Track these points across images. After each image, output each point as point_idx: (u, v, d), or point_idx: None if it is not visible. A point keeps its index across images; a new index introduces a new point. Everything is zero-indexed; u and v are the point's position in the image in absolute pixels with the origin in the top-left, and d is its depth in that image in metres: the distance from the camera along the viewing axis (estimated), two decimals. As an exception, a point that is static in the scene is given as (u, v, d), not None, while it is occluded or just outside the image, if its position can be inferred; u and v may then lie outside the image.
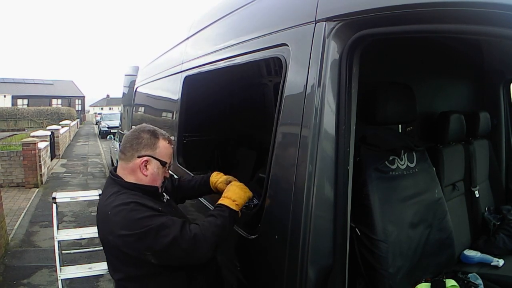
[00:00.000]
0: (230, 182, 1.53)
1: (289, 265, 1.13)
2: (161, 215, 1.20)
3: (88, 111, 47.19)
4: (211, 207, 1.76)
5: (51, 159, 10.04)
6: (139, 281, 1.26)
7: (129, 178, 1.31)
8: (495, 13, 0.81)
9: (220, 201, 1.35)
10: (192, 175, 1.86)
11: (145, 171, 1.31)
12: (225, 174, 1.64)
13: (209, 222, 1.24)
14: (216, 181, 1.58)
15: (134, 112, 4.77)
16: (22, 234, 4.78)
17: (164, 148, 1.35)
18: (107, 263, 1.34)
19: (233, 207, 1.31)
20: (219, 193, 1.50)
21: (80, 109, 40.13)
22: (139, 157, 1.31)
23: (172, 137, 2.37)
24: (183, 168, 2.25)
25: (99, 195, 3.40)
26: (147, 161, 1.31)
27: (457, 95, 2.49)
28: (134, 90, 4.77)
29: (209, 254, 1.21)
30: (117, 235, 1.16)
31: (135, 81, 4.93)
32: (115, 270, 1.30)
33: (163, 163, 1.34)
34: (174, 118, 2.46)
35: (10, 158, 7.35)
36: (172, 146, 1.42)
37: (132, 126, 4.93)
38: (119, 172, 1.34)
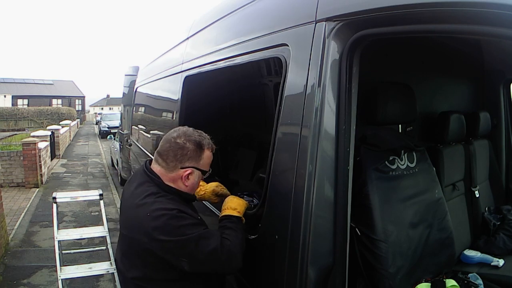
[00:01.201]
0: (217, 193, 1.55)
1: (289, 265, 1.14)
2: (201, 225, 1.23)
3: (88, 111, 47.20)
4: (212, 208, 1.76)
5: (51, 159, 10.04)
6: (159, 283, 1.25)
7: (168, 183, 1.29)
8: (495, 13, 0.81)
9: (227, 212, 1.37)
10: None
11: (187, 182, 1.29)
12: (225, 174, 1.64)
13: (233, 235, 1.26)
14: (203, 192, 1.56)
15: (134, 112, 4.77)
16: (22, 234, 4.79)
17: (207, 158, 1.33)
18: (122, 259, 1.32)
19: (238, 215, 1.37)
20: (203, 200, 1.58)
21: (80, 109, 40.14)
22: (182, 168, 1.28)
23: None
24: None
25: (100, 195, 3.41)
26: (191, 173, 1.29)
27: (457, 95, 2.49)
28: (134, 90, 4.77)
29: (240, 265, 1.24)
30: (156, 238, 1.14)
31: (135, 81, 4.94)
32: (132, 268, 1.27)
33: (204, 173, 1.34)
34: (174, 118, 2.46)
35: (10, 158, 7.36)
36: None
37: (133, 127, 4.94)
38: (158, 172, 1.30)
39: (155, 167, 1.31)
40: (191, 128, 1.35)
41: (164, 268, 1.22)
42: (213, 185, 1.57)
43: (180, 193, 1.29)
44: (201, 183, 1.52)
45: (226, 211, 1.38)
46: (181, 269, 1.19)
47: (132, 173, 4.99)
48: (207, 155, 1.33)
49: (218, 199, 1.55)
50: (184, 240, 1.14)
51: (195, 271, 1.22)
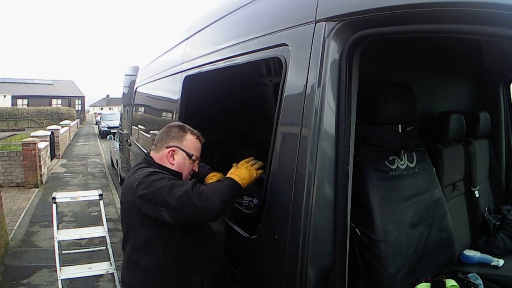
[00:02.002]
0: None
1: (289, 265, 1.13)
2: (177, 180, 1.36)
3: (88, 111, 47.19)
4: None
5: (51, 159, 10.03)
6: (146, 247, 1.38)
7: (158, 162, 1.47)
8: (495, 13, 0.81)
9: (228, 175, 1.42)
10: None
11: (172, 160, 1.47)
12: (225, 174, 1.64)
13: (216, 183, 1.38)
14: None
15: (134, 112, 4.77)
16: (22, 234, 4.78)
17: (191, 141, 1.50)
18: (123, 234, 1.46)
19: (239, 182, 1.39)
20: None
21: (80, 109, 40.12)
22: (167, 147, 1.47)
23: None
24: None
25: (100, 195, 3.41)
26: (173, 151, 1.46)
27: (457, 95, 2.49)
28: (134, 90, 4.77)
29: (217, 210, 1.30)
30: (138, 195, 1.30)
31: (135, 81, 4.94)
32: (127, 237, 1.42)
33: (189, 155, 1.48)
34: (174, 118, 2.46)
35: (10, 158, 7.35)
36: (202, 142, 1.54)
37: (133, 127, 4.94)
38: (152, 155, 1.51)
39: (151, 153, 1.53)
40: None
41: (151, 224, 1.34)
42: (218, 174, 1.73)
43: (170, 170, 1.45)
44: (215, 175, 1.70)
45: (231, 175, 1.41)
46: (163, 222, 1.30)
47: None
48: (191, 138, 1.50)
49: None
50: (158, 188, 1.28)
51: (177, 221, 1.31)
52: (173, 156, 1.47)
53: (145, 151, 2.80)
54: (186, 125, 1.53)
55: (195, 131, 1.53)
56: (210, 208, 1.28)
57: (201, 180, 1.68)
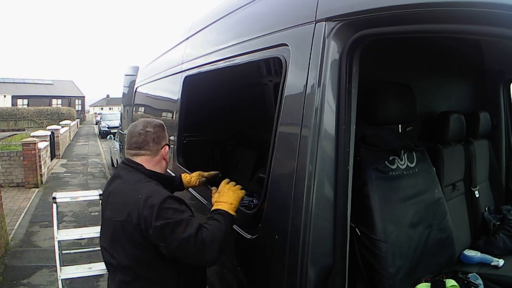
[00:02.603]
0: (202, 177, 1.80)
1: (289, 265, 1.13)
2: (185, 212, 1.28)
3: (88, 111, 47.20)
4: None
5: (51, 159, 10.04)
6: (140, 276, 1.30)
7: (153, 168, 1.44)
8: (495, 13, 0.81)
9: (218, 206, 1.37)
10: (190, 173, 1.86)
11: (167, 157, 1.50)
12: (225, 174, 1.65)
13: (216, 228, 1.27)
14: (189, 181, 1.81)
15: (134, 112, 4.77)
16: (22, 234, 4.78)
17: (167, 135, 1.55)
18: (110, 246, 1.35)
19: (231, 211, 1.36)
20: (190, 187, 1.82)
21: (80, 109, 40.14)
22: (162, 148, 1.47)
23: (172, 137, 2.40)
24: (183, 168, 2.25)
25: (100, 195, 3.41)
26: (165, 148, 1.49)
27: (457, 95, 2.49)
28: (134, 90, 4.77)
29: (215, 258, 1.25)
30: (142, 218, 1.22)
31: (135, 81, 4.93)
32: (120, 254, 1.31)
33: (169, 146, 1.54)
34: (174, 118, 2.46)
35: (10, 158, 7.35)
36: None
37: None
38: (142, 162, 1.43)
39: (138, 159, 1.43)
40: (144, 118, 1.57)
41: (148, 248, 1.26)
42: (199, 172, 1.83)
43: (162, 176, 1.45)
44: (186, 175, 1.81)
45: (221, 205, 1.37)
46: (159, 253, 1.25)
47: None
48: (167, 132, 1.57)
49: (205, 180, 1.81)
50: (164, 224, 1.21)
51: (172, 256, 1.26)
52: (167, 153, 1.50)
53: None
54: (159, 121, 1.55)
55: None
56: (207, 256, 1.23)
57: (174, 182, 1.76)
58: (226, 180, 1.51)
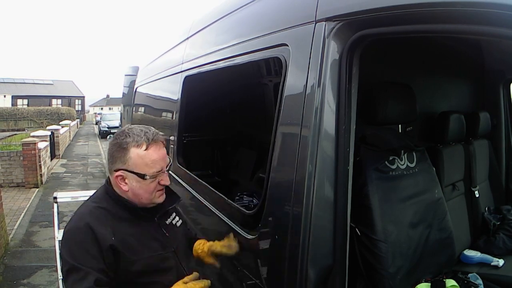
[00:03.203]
0: (213, 251, 1.35)
1: (289, 265, 1.13)
2: (87, 260, 1.03)
3: (88, 111, 47.23)
4: (211, 207, 1.75)
5: (51, 159, 10.03)
6: None
7: (114, 187, 1.20)
8: (495, 13, 0.80)
9: None
10: (194, 175, 1.84)
11: (124, 186, 1.15)
12: (225, 174, 1.63)
13: None
14: (199, 250, 1.40)
15: (134, 112, 4.77)
16: (22, 234, 4.78)
17: (138, 157, 1.12)
18: None
19: None
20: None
21: (80, 109, 40.17)
22: (114, 171, 1.15)
23: (172, 137, 2.39)
24: (183, 168, 2.25)
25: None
26: (121, 175, 1.14)
27: (457, 95, 2.49)
28: (134, 90, 4.76)
29: None
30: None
31: (135, 81, 4.93)
32: None
33: (140, 176, 1.13)
34: (174, 118, 2.46)
35: (10, 158, 7.36)
36: (159, 148, 1.17)
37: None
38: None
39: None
40: (134, 125, 1.22)
41: None
42: (212, 244, 1.38)
43: (122, 200, 1.16)
44: (201, 242, 1.39)
45: None
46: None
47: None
48: (137, 154, 1.12)
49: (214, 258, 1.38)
50: (64, 267, 1.05)
51: None
52: (124, 181, 1.15)
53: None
54: (129, 134, 1.15)
55: (142, 138, 1.14)
56: None
57: (189, 246, 1.41)
58: (189, 277, 1.20)
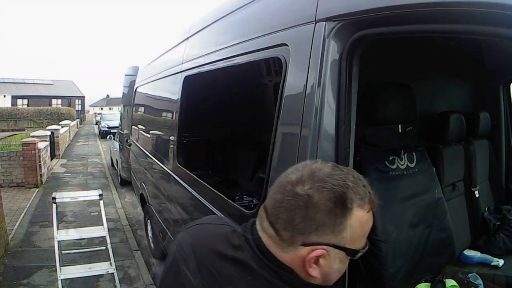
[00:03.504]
0: None
1: (289, 265, 1.13)
2: None
3: (88, 111, 47.20)
4: (211, 207, 1.75)
5: (51, 159, 10.02)
6: None
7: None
8: (495, 13, 0.80)
9: None
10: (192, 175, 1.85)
11: (314, 271, 0.70)
12: (225, 174, 1.63)
13: None
14: None
15: (134, 112, 4.77)
16: (22, 234, 4.78)
17: (360, 225, 0.71)
18: None
19: None
20: None
21: (80, 109, 40.11)
22: (305, 245, 0.69)
23: (172, 137, 2.39)
24: (183, 168, 2.25)
25: (100, 195, 3.41)
26: (322, 254, 0.69)
27: (457, 95, 2.49)
28: (134, 90, 4.77)
29: None
30: None
31: (135, 81, 4.94)
32: None
33: (353, 253, 0.72)
34: (174, 118, 2.46)
35: (10, 158, 7.34)
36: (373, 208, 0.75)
37: (132, 127, 4.93)
38: (269, 246, 0.72)
39: (263, 236, 0.74)
40: (329, 163, 0.76)
41: None
42: None
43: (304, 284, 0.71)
44: None
45: None
46: None
47: (132, 174, 4.98)
48: (359, 217, 0.70)
49: None
50: None
51: None
52: (318, 262, 0.69)
53: (146, 152, 2.73)
54: (347, 187, 0.70)
55: (366, 193, 0.75)
56: None
57: None
58: None
